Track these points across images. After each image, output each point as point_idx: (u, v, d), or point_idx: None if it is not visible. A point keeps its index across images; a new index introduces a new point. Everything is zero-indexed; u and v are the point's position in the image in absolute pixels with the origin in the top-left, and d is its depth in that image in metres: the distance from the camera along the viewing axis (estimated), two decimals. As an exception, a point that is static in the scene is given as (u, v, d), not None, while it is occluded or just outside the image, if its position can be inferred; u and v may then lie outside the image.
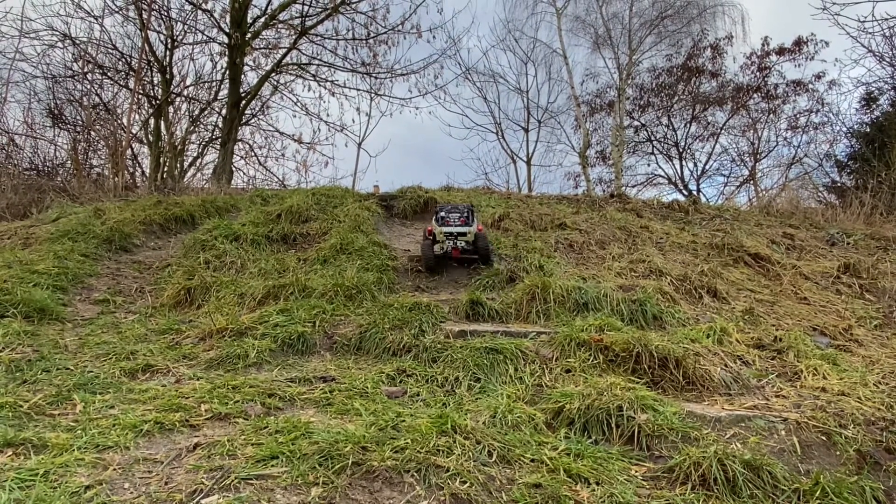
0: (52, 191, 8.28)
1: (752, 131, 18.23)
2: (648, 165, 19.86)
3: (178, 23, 12.28)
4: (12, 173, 9.39)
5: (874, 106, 14.29)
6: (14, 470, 2.05)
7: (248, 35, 11.95)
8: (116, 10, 11.81)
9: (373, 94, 13.55)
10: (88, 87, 12.12)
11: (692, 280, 5.32)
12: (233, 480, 2.05)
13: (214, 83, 13.35)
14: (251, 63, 12.73)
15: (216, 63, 13.15)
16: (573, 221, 7.15)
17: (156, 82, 12.90)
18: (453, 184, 10.34)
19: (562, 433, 2.74)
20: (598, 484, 2.30)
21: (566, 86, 18.21)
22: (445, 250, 5.47)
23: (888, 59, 12.67)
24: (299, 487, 2.05)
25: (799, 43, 17.24)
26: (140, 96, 12.46)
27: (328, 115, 17.78)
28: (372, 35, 12.74)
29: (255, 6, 12.07)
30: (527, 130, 18.73)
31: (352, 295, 4.63)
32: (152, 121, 12.53)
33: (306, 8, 12.20)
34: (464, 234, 5.51)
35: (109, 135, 11.28)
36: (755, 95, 18.01)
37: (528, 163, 18.46)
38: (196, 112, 13.56)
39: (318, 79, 13.26)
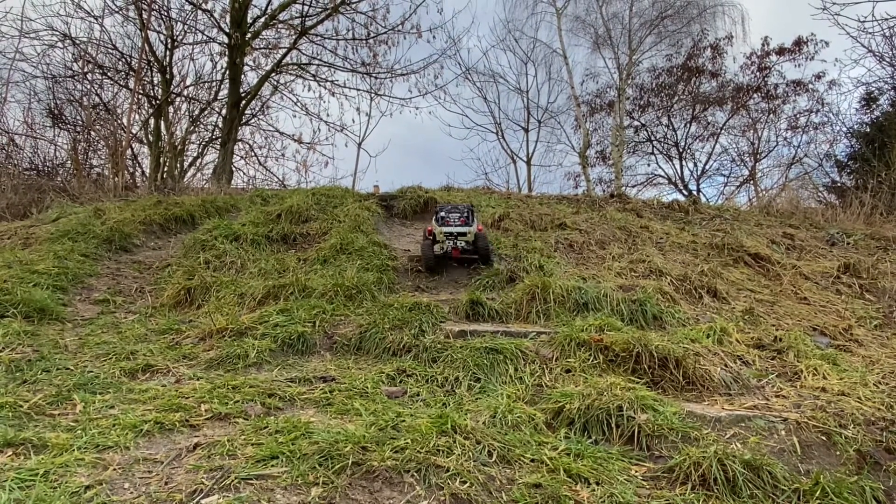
0: (52, 191, 8.28)
1: (752, 131, 18.25)
2: (648, 165, 19.92)
3: (178, 23, 12.31)
4: (12, 173, 9.39)
5: (874, 106, 14.31)
6: (14, 470, 2.05)
7: (248, 35, 11.95)
8: (116, 10, 11.84)
9: (373, 94, 13.58)
10: (88, 87, 12.15)
11: (692, 280, 5.32)
12: (233, 480, 2.05)
13: (214, 83, 13.38)
14: (251, 63, 12.76)
15: (216, 63, 13.19)
16: (573, 221, 7.15)
17: (156, 82, 12.92)
18: (453, 184, 10.35)
19: (562, 433, 2.74)
20: (598, 484, 2.31)
21: (566, 86, 18.25)
22: (445, 250, 5.47)
23: (888, 59, 12.69)
24: (299, 487, 2.05)
25: (799, 43, 17.25)
26: (140, 96, 12.47)
27: (328, 115, 17.81)
28: (372, 35, 12.76)
29: (255, 6, 12.10)
30: (527, 130, 18.76)
31: (352, 295, 4.63)
32: (152, 121, 12.54)
33: (306, 8, 12.23)
34: (464, 234, 5.50)
35: (109, 135, 11.29)
36: (755, 95, 18.02)
37: (528, 163, 18.48)
38: (196, 112, 13.59)
39: (318, 79, 13.29)
